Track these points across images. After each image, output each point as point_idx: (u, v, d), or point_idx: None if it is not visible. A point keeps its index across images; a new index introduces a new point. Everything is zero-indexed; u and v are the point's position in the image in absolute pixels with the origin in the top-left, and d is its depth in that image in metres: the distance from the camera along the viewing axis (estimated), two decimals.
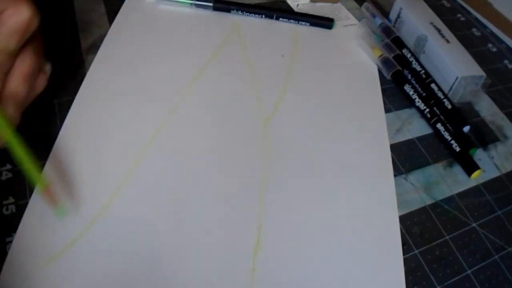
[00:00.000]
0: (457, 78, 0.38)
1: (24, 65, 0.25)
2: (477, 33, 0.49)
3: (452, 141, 0.35)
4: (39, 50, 0.27)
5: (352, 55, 0.41)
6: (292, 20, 0.43)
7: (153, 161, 0.30)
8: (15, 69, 0.25)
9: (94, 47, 0.36)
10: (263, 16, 0.42)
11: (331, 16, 0.44)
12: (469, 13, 0.51)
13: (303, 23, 0.43)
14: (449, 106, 0.38)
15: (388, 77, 0.40)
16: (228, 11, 0.42)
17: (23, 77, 0.25)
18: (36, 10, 0.24)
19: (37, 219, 0.26)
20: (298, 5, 0.43)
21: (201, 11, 0.42)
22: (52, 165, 0.28)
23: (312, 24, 0.43)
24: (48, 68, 0.28)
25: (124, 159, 0.30)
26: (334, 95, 0.37)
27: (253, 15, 0.42)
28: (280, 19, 0.43)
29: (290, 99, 0.36)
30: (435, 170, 0.34)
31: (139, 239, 0.26)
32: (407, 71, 0.40)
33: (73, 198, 0.27)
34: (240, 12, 0.42)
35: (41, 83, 0.27)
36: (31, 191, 0.27)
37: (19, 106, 0.26)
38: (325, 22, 0.43)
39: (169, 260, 0.26)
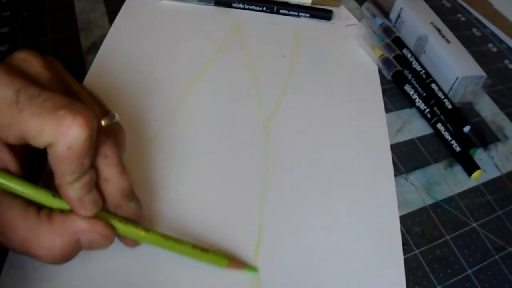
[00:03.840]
0: (457, 78, 0.38)
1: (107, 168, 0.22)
2: (478, 33, 0.49)
3: (453, 141, 0.35)
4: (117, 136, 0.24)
5: (352, 55, 0.41)
6: (292, 12, 0.43)
7: (154, 160, 0.30)
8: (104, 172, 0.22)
9: (95, 47, 0.36)
10: (264, 8, 0.43)
11: None
12: (470, 13, 0.51)
13: (303, 14, 0.43)
14: (450, 106, 0.38)
15: (389, 77, 0.40)
16: (230, 5, 0.42)
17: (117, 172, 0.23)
18: (89, 117, 0.19)
19: None
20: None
21: (202, 7, 0.42)
22: None
23: (311, 16, 0.43)
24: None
25: (125, 158, 0.30)
26: (335, 95, 0.37)
27: (254, 7, 0.42)
28: (281, 11, 0.43)
29: (290, 99, 0.36)
30: (436, 170, 0.34)
31: None
32: (408, 71, 0.40)
33: None
34: (241, 4, 0.42)
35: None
36: None
37: (132, 196, 0.24)
38: (324, 14, 0.44)
39: (169, 260, 0.26)
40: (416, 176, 0.33)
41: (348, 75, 0.39)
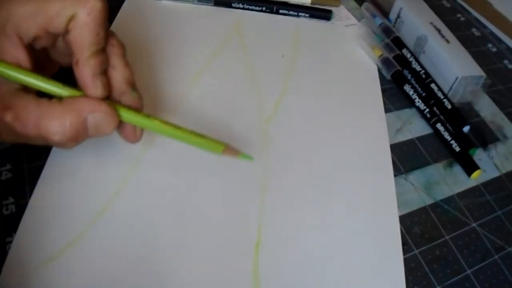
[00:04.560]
0: (457, 78, 0.38)
1: (116, 50, 0.26)
2: (477, 33, 0.49)
3: (452, 141, 0.35)
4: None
5: (352, 55, 0.41)
6: (292, 12, 0.43)
7: (154, 160, 0.30)
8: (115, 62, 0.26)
9: None
10: (264, 8, 0.43)
11: None
12: (469, 13, 0.51)
13: (303, 14, 0.43)
14: (449, 106, 0.38)
15: (388, 77, 0.40)
16: (230, 5, 0.42)
17: (123, 64, 0.26)
18: None
19: (37, 219, 0.26)
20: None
21: (202, 7, 0.42)
22: (53, 165, 0.28)
23: (311, 16, 0.44)
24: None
25: (124, 159, 0.30)
26: (334, 95, 0.37)
27: (254, 7, 0.42)
28: (280, 11, 0.43)
29: (290, 99, 0.36)
30: (435, 170, 0.34)
31: (139, 240, 0.26)
32: (407, 71, 0.40)
33: (74, 198, 0.27)
34: (241, 4, 0.42)
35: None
36: (31, 191, 0.27)
37: (134, 86, 0.27)
38: (324, 14, 0.44)
39: (169, 260, 0.26)
40: (415, 176, 0.34)
41: (347, 75, 0.39)
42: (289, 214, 0.29)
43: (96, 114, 0.24)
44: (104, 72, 0.25)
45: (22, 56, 0.23)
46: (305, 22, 0.43)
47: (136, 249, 0.26)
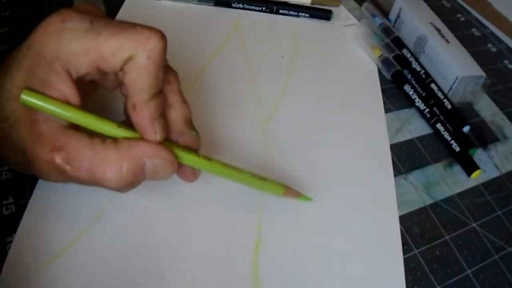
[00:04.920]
0: (457, 78, 0.38)
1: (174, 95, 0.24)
2: (477, 33, 0.49)
3: (452, 141, 0.35)
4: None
5: (352, 55, 0.41)
6: (291, 12, 0.43)
7: None
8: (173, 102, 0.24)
9: None
10: (264, 8, 0.43)
11: None
12: (469, 13, 0.51)
13: (303, 14, 0.43)
14: (449, 106, 0.38)
15: (388, 77, 0.40)
16: (229, 5, 0.42)
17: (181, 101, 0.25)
18: (162, 32, 0.22)
19: (37, 219, 0.26)
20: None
21: (201, 7, 0.42)
22: None
23: (311, 16, 0.44)
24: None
25: None
26: (334, 95, 0.37)
27: (254, 7, 0.42)
28: (280, 11, 0.43)
29: (290, 99, 0.36)
30: (435, 170, 0.34)
31: (139, 239, 0.26)
32: (407, 71, 0.40)
33: (74, 198, 0.27)
34: (241, 4, 0.42)
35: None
36: (31, 191, 0.27)
37: (192, 125, 0.26)
38: (324, 14, 0.44)
39: (169, 260, 0.26)
40: (415, 176, 0.34)
41: (347, 75, 0.39)
42: (289, 214, 0.29)
43: (155, 160, 0.22)
44: (162, 113, 0.23)
45: (71, 92, 0.22)
46: (305, 22, 0.43)
47: (136, 248, 0.26)
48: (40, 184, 0.27)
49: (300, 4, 0.44)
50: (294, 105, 0.36)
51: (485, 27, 0.50)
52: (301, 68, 0.39)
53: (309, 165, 0.32)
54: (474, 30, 0.49)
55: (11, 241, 0.25)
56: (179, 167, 0.24)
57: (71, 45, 0.21)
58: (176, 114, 0.24)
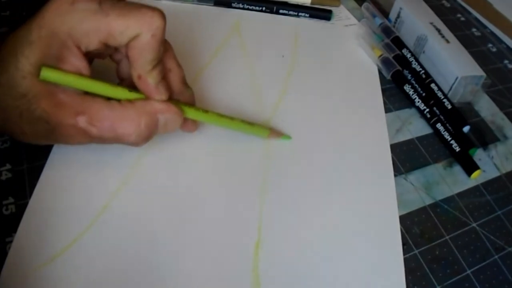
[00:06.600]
0: (457, 78, 0.38)
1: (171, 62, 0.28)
2: (477, 33, 0.49)
3: (452, 141, 0.35)
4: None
5: (352, 55, 0.41)
6: (291, 12, 0.43)
7: (154, 160, 0.30)
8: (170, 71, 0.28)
9: None
10: (264, 8, 0.43)
11: None
12: (469, 13, 0.51)
13: (303, 14, 0.43)
14: (449, 106, 0.38)
15: (388, 77, 0.40)
16: (229, 5, 0.42)
17: (179, 75, 0.28)
18: (162, 11, 0.25)
19: (37, 219, 0.26)
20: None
21: (201, 7, 0.42)
22: (53, 165, 0.28)
23: (311, 16, 0.44)
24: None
25: (124, 159, 0.30)
26: (334, 95, 0.37)
27: (254, 7, 0.43)
28: (280, 11, 0.43)
29: (290, 99, 0.36)
30: (435, 170, 0.34)
31: (139, 240, 0.26)
32: (407, 71, 0.40)
33: (74, 198, 0.27)
34: (241, 4, 0.42)
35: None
36: (31, 191, 0.27)
37: (187, 83, 0.29)
38: (324, 14, 0.44)
39: (169, 260, 0.26)
40: (415, 176, 0.34)
41: (347, 75, 0.39)
42: (289, 214, 0.29)
43: (167, 115, 0.26)
44: (163, 76, 0.26)
45: (82, 65, 0.24)
46: (305, 22, 0.43)
47: (136, 248, 0.26)
48: (40, 184, 0.27)
49: (300, 4, 0.44)
50: (294, 105, 0.36)
51: (485, 27, 0.50)
52: (301, 68, 0.39)
53: (309, 165, 0.32)
54: (474, 30, 0.49)
55: (11, 241, 0.25)
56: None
57: (83, 25, 0.23)
58: (174, 76, 0.28)
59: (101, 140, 0.25)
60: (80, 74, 0.24)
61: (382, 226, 0.30)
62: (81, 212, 0.27)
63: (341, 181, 0.32)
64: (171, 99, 0.27)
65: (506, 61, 0.46)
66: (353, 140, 0.34)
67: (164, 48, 0.26)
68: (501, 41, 0.49)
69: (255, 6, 0.42)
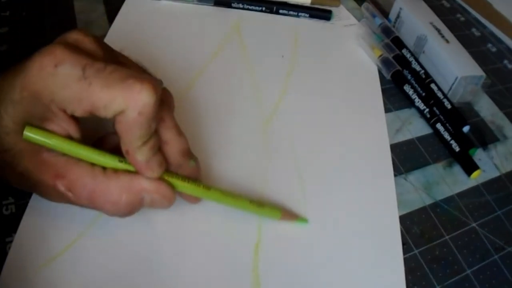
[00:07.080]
0: (456, 78, 0.38)
1: (168, 132, 0.24)
2: (477, 33, 0.49)
3: (452, 141, 0.35)
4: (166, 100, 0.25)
5: (352, 55, 0.41)
6: (291, 12, 0.43)
7: None
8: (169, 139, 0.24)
9: None
10: (264, 8, 0.43)
11: None
12: (469, 13, 0.51)
13: (303, 14, 0.43)
14: (449, 106, 0.38)
15: (388, 77, 0.40)
16: (229, 5, 0.42)
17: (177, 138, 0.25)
18: (155, 84, 0.21)
19: (37, 219, 0.26)
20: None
21: (201, 7, 0.42)
22: None
23: (311, 16, 0.44)
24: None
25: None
26: (334, 95, 0.37)
27: (254, 7, 0.42)
28: (280, 11, 0.43)
29: (290, 99, 0.36)
30: (435, 170, 0.34)
31: (139, 239, 0.26)
32: (407, 71, 0.40)
33: None
34: (241, 4, 0.42)
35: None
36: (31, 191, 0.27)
37: (191, 155, 0.26)
38: (324, 14, 0.44)
39: (169, 260, 0.26)
40: (415, 176, 0.34)
41: (347, 75, 0.39)
42: None
43: (154, 195, 0.23)
44: (158, 149, 0.23)
45: (71, 128, 0.23)
46: (305, 22, 0.43)
47: (136, 248, 0.26)
48: None
49: (300, 4, 0.44)
50: (294, 105, 0.36)
51: (485, 27, 0.50)
52: (301, 68, 0.39)
53: (308, 165, 0.32)
54: (474, 30, 0.49)
55: (11, 241, 0.25)
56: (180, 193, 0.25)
57: (64, 92, 0.21)
58: (173, 149, 0.24)
59: (80, 205, 0.23)
60: (66, 136, 0.23)
61: (382, 226, 0.30)
62: (81, 212, 0.26)
63: (340, 181, 0.32)
64: (168, 172, 0.24)
65: (506, 61, 0.46)
66: (353, 140, 0.34)
67: (160, 117, 0.23)
68: (501, 41, 0.49)
69: (255, 6, 0.43)
